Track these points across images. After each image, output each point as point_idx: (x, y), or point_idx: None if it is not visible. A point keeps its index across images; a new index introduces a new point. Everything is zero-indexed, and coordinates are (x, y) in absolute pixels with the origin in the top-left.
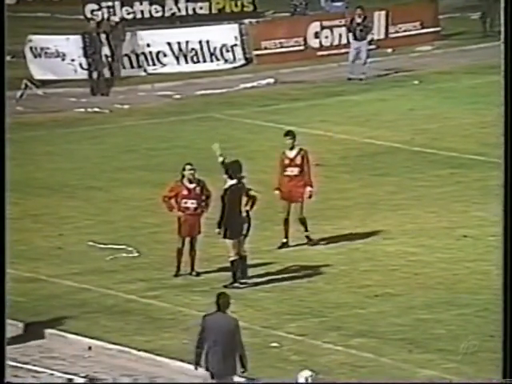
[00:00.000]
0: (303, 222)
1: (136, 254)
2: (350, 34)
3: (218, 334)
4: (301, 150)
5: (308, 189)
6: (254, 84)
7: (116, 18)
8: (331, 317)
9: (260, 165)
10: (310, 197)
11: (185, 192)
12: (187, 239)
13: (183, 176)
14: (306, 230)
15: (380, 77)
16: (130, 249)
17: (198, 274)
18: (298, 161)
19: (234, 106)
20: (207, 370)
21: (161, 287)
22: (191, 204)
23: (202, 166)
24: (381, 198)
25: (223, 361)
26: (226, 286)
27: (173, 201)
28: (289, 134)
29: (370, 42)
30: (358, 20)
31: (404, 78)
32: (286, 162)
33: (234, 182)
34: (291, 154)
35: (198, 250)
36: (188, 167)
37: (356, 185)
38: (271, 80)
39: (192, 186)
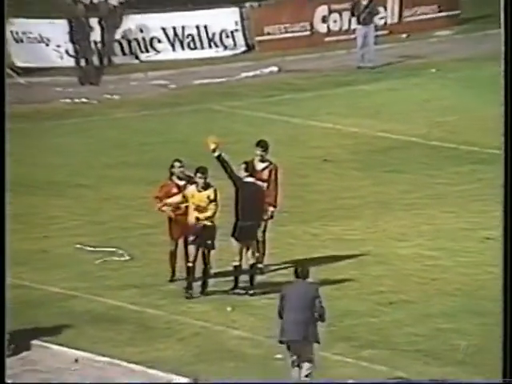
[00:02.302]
0: (263, 243)
1: (127, 258)
2: (355, 19)
3: (296, 301)
4: (271, 163)
5: (270, 209)
6: (257, 73)
7: (114, 2)
8: (340, 326)
9: None
10: (271, 217)
11: (175, 190)
12: (180, 241)
13: (172, 173)
14: (258, 253)
15: (393, 65)
16: (121, 252)
17: (195, 279)
18: (265, 175)
19: (234, 96)
20: (281, 342)
21: (154, 293)
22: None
23: (200, 162)
24: (394, 196)
25: (297, 328)
26: (225, 292)
27: (163, 201)
28: (261, 144)
29: (376, 27)
30: (364, 2)
31: (420, 66)
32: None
33: (251, 179)
34: (259, 166)
35: None
36: (177, 164)
37: (367, 182)
38: (275, 68)
39: (182, 183)
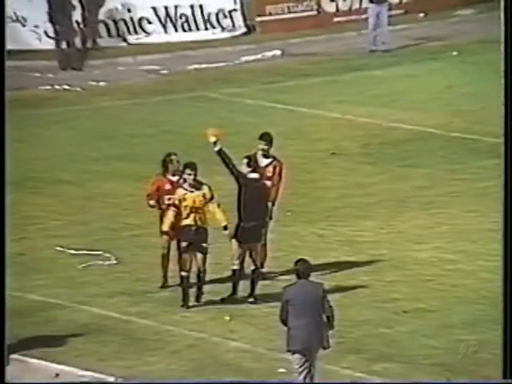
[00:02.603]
0: (264, 245)
1: (114, 262)
2: None
3: (304, 304)
4: (275, 159)
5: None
6: (258, 57)
7: None
8: (350, 337)
9: None
10: (270, 217)
11: (167, 186)
12: (173, 243)
13: (166, 168)
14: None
15: (409, 47)
16: (107, 255)
17: (190, 286)
18: (269, 172)
19: (233, 83)
20: (291, 351)
21: (144, 301)
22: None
23: (196, 156)
24: (410, 194)
25: (309, 334)
26: (223, 300)
27: (153, 201)
28: (264, 137)
29: (390, 6)
30: None
31: (439, 49)
32: None
33: (255, 176)
34: (263, 162)
35: None
36: (172, 158)
37: (380, 178)
38: (278, 52)
39: (175, 178)
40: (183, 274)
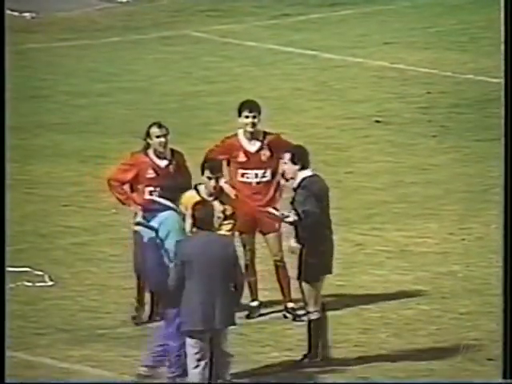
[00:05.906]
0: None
1: (50, 283)
2: None
3: (204, 267)
4: (266, 134)
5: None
6: None
7: None
8: None
9: (276, 126)
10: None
11: (151, 174)
12: None
13: (148, 145)
14: (288, 295)
15: None
16: (38, 273)
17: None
18: (265, 156)
19: (226, 16)
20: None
21: (96, 341)
22: None
23: (170, 125)
24: (497, 182)
25: (211, 309)
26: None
27: (126, 187)
28: (249, 106)
29: None
30: None
31: None
32: (241, 157)
33: (309, 173)
34: (252, 146)
35: None
36: (156, 131)
37: (450, 158)
38: None
39: (164, 163)
40: None
